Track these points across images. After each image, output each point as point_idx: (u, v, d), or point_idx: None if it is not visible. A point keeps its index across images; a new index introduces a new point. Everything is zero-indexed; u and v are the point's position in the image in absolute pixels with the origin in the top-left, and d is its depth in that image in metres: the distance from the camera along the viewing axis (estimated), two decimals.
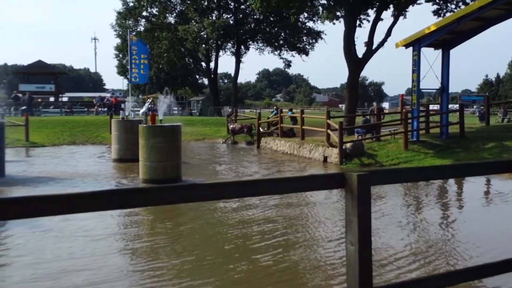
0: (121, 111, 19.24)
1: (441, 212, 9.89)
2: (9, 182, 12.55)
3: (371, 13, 24.08)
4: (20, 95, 38.17)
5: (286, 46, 46.90)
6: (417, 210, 10.01)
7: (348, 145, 16.60)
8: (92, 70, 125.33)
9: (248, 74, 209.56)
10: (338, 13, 23.50)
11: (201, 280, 5.75)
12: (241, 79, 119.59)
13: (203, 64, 52.20)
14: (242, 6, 46.23)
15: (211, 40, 44.27)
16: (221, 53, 48.47)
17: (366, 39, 23.01)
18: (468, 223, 8.83)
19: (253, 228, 8.19)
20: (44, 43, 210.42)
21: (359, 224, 3.32)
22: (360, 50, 23.15)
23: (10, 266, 6.37)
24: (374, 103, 27.24)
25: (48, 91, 50.04)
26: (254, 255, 6.71)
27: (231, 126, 25.34)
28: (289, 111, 25.94)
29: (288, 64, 48.95)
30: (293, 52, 47.03)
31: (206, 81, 56.06)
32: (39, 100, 43.03)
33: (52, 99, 49.51)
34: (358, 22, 23.79)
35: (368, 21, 24.33)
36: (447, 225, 8.70)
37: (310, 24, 45.85)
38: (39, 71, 51.90)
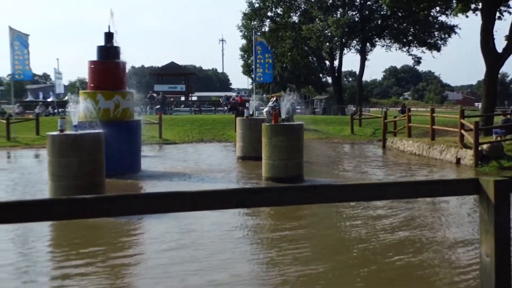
0: (245, 110, 19.73)
1: None
2: (144, 177, 13.46)
3: None
4: (155, 95, 41.00)
5: (415, 42, 44.91)
6: None
7: (485, 146, 15.37)
8: (220, 70, 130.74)
9: (374, 71, 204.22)
10: (474, 5, 21.83)
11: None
12: (367, 77, 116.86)
13: (327, 62, 51.89)
14: (368, 2, 45.13)
15: (335, 38, 43.83)
16: (345, 51, 47.86)
17: (506, 32, 21.08)
18: None
19: (376, 228, 7.87)
20: (177, 46, 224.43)
21: (496, 235, 2.99)
22: (500, 44, 21.29)
23: (151, 259, 6.69)
24: None
25: (179, 91, 53.29)
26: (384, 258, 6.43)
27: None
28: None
29: (417, 60, 46.86)
30: (423, 48, 44.92)
31: (329, 79, 55.64)
32: (171, 99, 45.90)
33: (183, 98, 52.64)
34: (497, 14, 21.90)
35: (509, 13, 22.31)
36: None
37: (442, 18, 43.26)
38: (171, 72, 55.52)
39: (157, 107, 36.91)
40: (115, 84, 13.88)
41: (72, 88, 59.99)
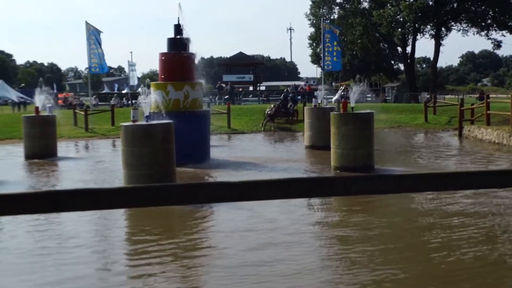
0: (313, 99, 19.48)
1: None
2: (213, 165, 13.66)
3: None
4: (223, 85, 41.49)
5: (495, 26, 42.37)
6: None
7: None
8: (288, 59, 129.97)
9: (450, 57, 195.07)
10: None
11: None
12: (441, 63, 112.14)
13: (399, 48, 50.17)
14: None
15: (408, 24, 42.25)
16: (418, 36, 45.97)
17: None
18: None
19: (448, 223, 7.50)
20: (245, 36, 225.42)
21: None
22: None
23: (224, 252, 6.71)
24: None
25: (247, 80, 53.56)
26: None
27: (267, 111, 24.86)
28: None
29: (497, 45, 44.20)
30: (504, 32, 42.28)
31: (402, 66, 53.80)
32: (240, 89, 46.25)
33: (251, 88, 52.86)
34: None
35: None
36: None
37: None
38: (240, 63, 55.88)
39: (225, 97, 37.31)
40: (185, 75, 14.13)
41: (145, 79, 62.01)
